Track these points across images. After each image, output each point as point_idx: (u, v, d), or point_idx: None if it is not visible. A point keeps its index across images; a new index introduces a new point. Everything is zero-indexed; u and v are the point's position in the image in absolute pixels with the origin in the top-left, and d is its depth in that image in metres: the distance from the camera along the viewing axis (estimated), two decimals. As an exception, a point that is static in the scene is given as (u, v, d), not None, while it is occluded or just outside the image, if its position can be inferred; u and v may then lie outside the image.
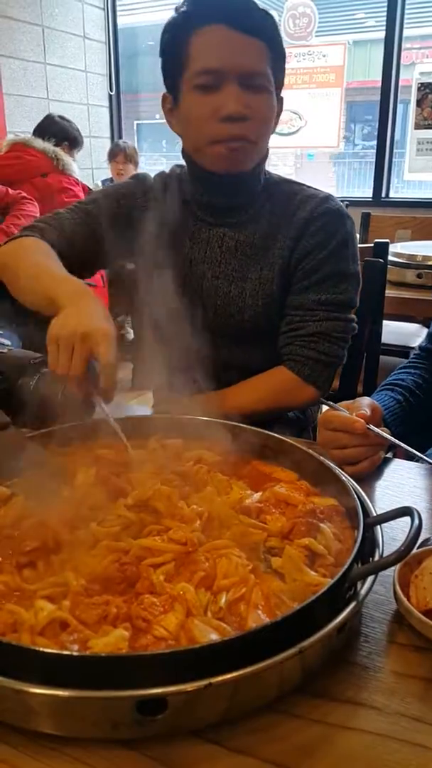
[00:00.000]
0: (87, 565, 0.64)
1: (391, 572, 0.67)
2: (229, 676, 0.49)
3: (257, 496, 0.78)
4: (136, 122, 6.37)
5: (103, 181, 4.59)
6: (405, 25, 4.35)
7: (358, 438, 0.93)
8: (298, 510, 0.75)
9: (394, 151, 4.55)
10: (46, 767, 0.50)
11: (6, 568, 0.65)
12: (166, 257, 1.25)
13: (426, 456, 1.17)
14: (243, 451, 0.89)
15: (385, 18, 4.32)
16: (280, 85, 1.22)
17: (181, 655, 0.50)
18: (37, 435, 0.89)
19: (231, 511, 0.75)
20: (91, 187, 4.07)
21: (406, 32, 4.38)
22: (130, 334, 4.34)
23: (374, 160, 4.57)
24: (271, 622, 0.54)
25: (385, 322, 2.00)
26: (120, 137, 5.40)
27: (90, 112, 5.10)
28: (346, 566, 0.59)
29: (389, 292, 2.03)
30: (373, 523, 0.70)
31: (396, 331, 2.53)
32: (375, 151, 4.55)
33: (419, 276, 2.28)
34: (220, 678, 0.49)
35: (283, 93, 1.24)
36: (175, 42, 1.16)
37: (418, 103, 4.23)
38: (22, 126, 4.24)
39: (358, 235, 1.34)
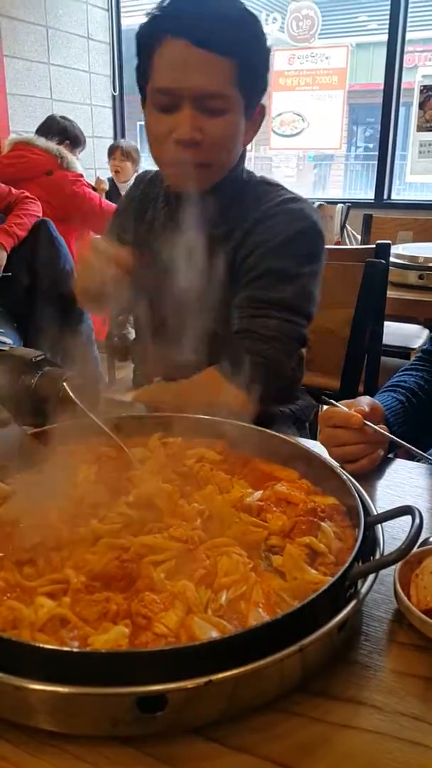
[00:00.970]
0: (87, 562, 0.64)
1: (392, 571, 0.67)
2: (229, 673, 0.49)
3: (258, 494, 0.78)
4: (138, 123, 6.38)
5: (109, 179, 4.59)
6: (407, 29, 4.35)
7: (357, 435, 0.93)
8: (299, 509, 0.74)
9: (396, 153, 4.55)
10: (47, 764, 0.50)
11: (6, 565, 0.65)
12: (151, 255, 1.30)
13: (427, 455, 1.18)
14: (244, 450, 0.89)
15: (387, 21, 4.32)
16: (256, 99, 1.17)
17: (181, 651, 0.50)
18: (38, 432, 0.89)
19: (232, 509, 0.75)
20: (92, 185, 4.09)
21: (408, 35, 4.39)
22: (132, 334, 4.33)
23: (376, 162, 4.57)
24: (272, 619, 0.54)
25: (386, 323, 2.00)
26: (123, 137, 5.41)
27: (93, 112, 5.11)
28: (346, 564, 0.59)
29: (391, 294, 2.03)
30: (373, 522, 0.69)
31: (397, 332, 2.53)
32: (377, 153, 4.55)
33: (421, 277, 2.28)
34: (220, 675, 0.49)
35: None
36: (141, 51, 1.14)
37: (421, 105, 4.24)
38: (25, 126, 4.24)
39: (326, 246, 1.27)
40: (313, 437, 1.28)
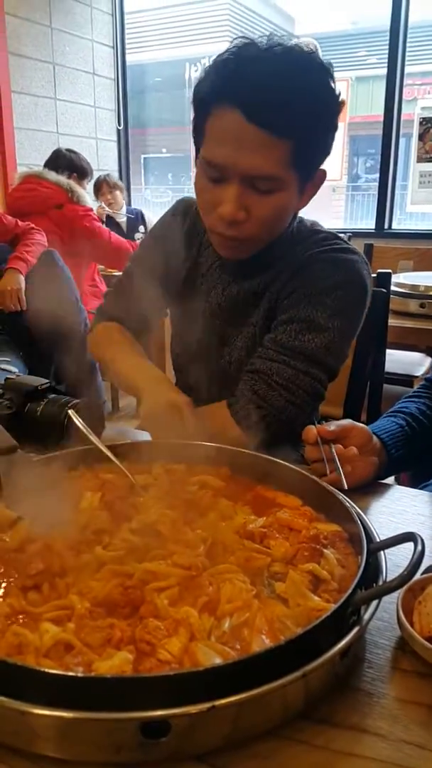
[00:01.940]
0: (92, 588, 0.65)
1: (395, 598, 0.67)
2: (232, 698, 0.49)
3: (261, 521, 0.78)
4: (143, 156, 6.49)
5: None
6: (406, 62, 4.45)
7: (316, 451, 0.95)
8: (302, 535, 0.75)
9: (397, 183, 4.62)
10: (49, 791, 0.50)
11: (12, 591, 0.65)
12: (185, 288, 1.31)
13: (429, 484, 1.18)
14: (247, 477, 0.90)
15: (387, 55, 4.42)
16: (315, 170, 1.09)
17: (184, 677, 0.51)
18: (43, 459, 0.90)
19: (235, 536, 0.75)
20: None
21: (407, 69, 4.48)
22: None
23: (377, 192, 4.64)
24: (275, 645, 0.54)
25: (388, 351, 2.02)
26: (128, 170, 5.51)
27: (99, 146, 5.21)
28: (349, 591, 0.60)
29: (392, 322, 2.05)
30: (376, 549, 0.70)
31: (399, 360, 2.54)
32: (378, 183, 4.62)
33: (422, 306, 2.30)
34: (223, 701, 0.49)
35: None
36: (197, 110, 1.05)
37: (420, 137, 4.32)
38: (32, 159, 4.34)
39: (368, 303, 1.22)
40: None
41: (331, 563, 0.70)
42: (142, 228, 4.56)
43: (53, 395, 1.07)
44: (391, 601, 0.67)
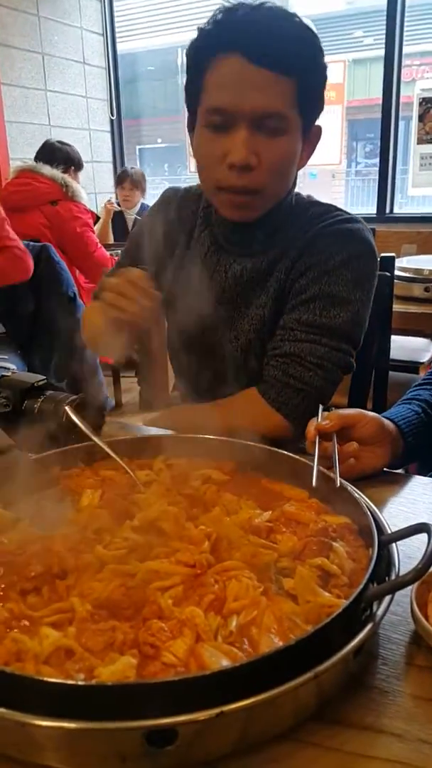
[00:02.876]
0: (93, 590, 0.62)
1: (408, 592, 0.64)
2: (241, 703, 0.47)
3: (267, 515, 0.76)
4: (138, 147, 6.43)
5: (118, 203, 4.62)
6: (404, 42, 4.38)
7: (313, 447, 0.90)
8: (310, 528, 0.73)
9: (397, 168, 4.57)
10: (53, 804, 0.48)
11: (10, 595, 0.63)
12: (181, 276, 1.28)
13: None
14: (251, 470, 0.88)
15: (384, 36, 4.35)
16: (314, 119, 1.11)
17: (191, 682, 0.48)
18: (41, 457, 0.88)
19: (240, 531, 0.72)
20: (96, 212, 4.11)
21: (405, 49, 4.41)
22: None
23: (377, 177, 4.58)
24: (285, 645, 0.52)
25: (393, 338, 1.98)
26: (122, 162, 5.46)
27: (92, 137, 5.15)
28: (361, 586, 0.57)
29: (396, 307, 2.01)
30: (388, 541, 0.67)
31: (404, 346, 2.51)
32: (378, 168, 4.56)
33: (427, 290, 2.27)
34: (232, 706, 0.47)
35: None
36: (193, 68, 1.06)
37: (420, 118, 4.25)
38: (24, 153, 4.28)
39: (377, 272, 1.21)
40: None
41: (341, 557, 0.67)
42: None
43: (51, 392, 1.05)
44: (405, 594, 0.65)
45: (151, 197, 6.39)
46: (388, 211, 4.53)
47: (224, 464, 0.88)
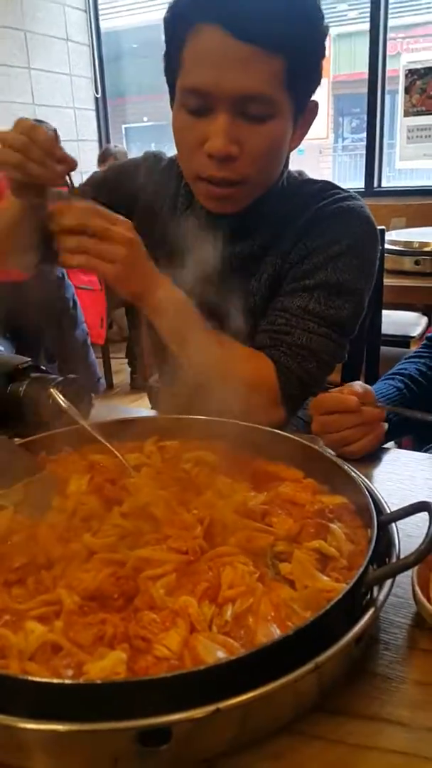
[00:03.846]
0: (81, 580, 0.59)
1: (409, 572, 0.62)
2: (238, 699, 0.44)
3: (261, 497, 0.73)
4: (123, 126, 6.32)
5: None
6: (389, 16, 4.30)
7: (354, 417, 0.89)
8: (306, 510, 0.70)
9: (384, 141, 4.51)
10: (42, 809, 0.45)
11: (-6, 587, 0.60)
12: (165, 252, 1.19)
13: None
14: (244, 450, 0.84)
15: (369, 9, 4.27)
16: (308, 97, 1.00)
17: (184, 678, 0.45)
18: (26, 442, 0.84)
19: (234, 514, 0.69)
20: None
21: (390, 22, 4.33)
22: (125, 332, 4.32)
23: (364, 152, 4.52)
24: (283, 636, 0.49)
25: (384, 312, 1.96)
26: (108, 140, 5.36)
27: (77, 115, 5.06)
28: (361, 569, 0.55)
29: (387, 281, 1.98)
30: (387, 521, 0.65)
31: (396, 321, 2.48)
32: (365, 143, 4.50)
33: (417, 263, 2.24)
34: (228, 702, 0.44)
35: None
36: (170, 39, 0.95)
37: (407, 90, 4.19)
38: (8, 132, 4.20)
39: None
40: (304, 428, 1.23)
41: (339, 539, 0.64)
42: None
43: (36, 374, 1.01)
44: (406, 574, 0.62)
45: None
46: (376, 185, 4.48)
47: (216, 445, 0.85)
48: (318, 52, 0.95)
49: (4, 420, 0.95)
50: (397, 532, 0.64)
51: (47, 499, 0.74)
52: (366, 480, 0.72)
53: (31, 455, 0.83)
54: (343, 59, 6.42)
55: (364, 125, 4.51)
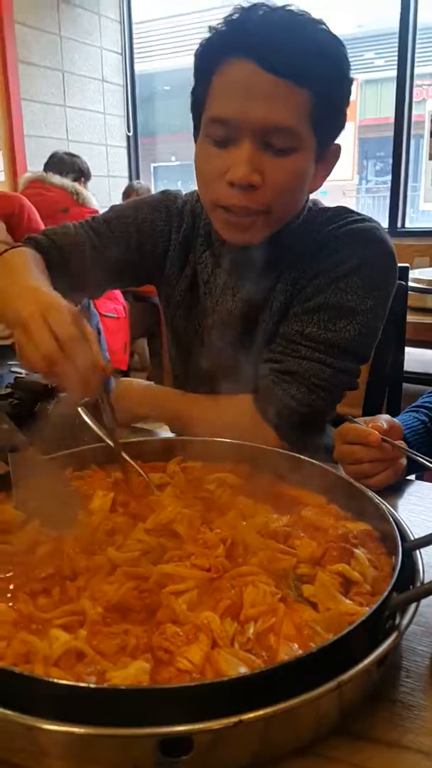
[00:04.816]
0: (105, 592, 0.60)
1: (431, 601, 0.62)
2: (261, 712, 0.44)
3: (284, 519, 0.73)
4: (152, 164, 6.48)
5: None
6: (415, 64, 4.41)
7: (374, 451, 0.88)
8: (329, 534, 0.70)
9: (408, 184, 4.57)
10: None
11: (20, 596, 0.60)
12: (181, 290, 1.21)
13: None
14: (267, 474, 0.85)
15: (395, 58, 4.39)
16: (332, 138, 1.00)
17: (208, 688, 0.46)
18: (54, 458, 0.86)
19: (257, 535, 0.70)
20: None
21: (416, 70, 4.44)
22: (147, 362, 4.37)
23: (387, 194, 4.59)
24: (307, 653, 0.49)
25: (407, 349, 1.96)
26: (137, 177, 5.50)
27: (108, 152, 5.21)
28: (386, 594, 0.54)
29: (410, 318, 1.99)
30: (411, 547, 0.64)
31: (418, 358, 2.48)
32: (389, 185, 4.57)
33: (440, 301, 2.25)
34: (251, 714, 0.44)
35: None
36: (200, 70, 0.97)
37: (431, 134, 4.27)
38: (42, 167, 4.32)
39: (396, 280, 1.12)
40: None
41: (363, 564, 0.64)
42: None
43: (64, 393, 1.03)
44: (428, 604, 0.62)
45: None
46: (400, 225, 4.53)
47: (240, 468, 0.86)
48: (343, 95, 0.97)
49: (33, 437, 0.97)
50: (421, 559, 0.64)
51: (72, 514, 0.75)
52: (391, 508, 0.72)
53: (57, 471, 0.84)
54: (369, 104, 6.56)
55: (388, 168, 4.59)
